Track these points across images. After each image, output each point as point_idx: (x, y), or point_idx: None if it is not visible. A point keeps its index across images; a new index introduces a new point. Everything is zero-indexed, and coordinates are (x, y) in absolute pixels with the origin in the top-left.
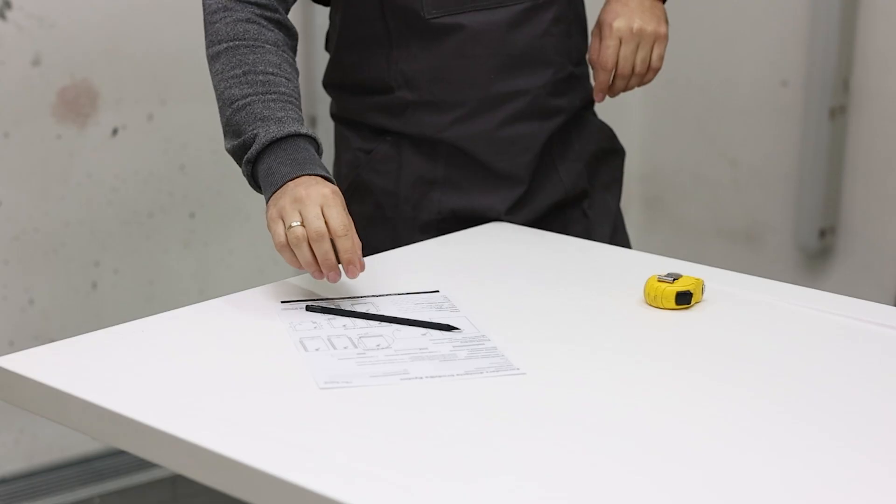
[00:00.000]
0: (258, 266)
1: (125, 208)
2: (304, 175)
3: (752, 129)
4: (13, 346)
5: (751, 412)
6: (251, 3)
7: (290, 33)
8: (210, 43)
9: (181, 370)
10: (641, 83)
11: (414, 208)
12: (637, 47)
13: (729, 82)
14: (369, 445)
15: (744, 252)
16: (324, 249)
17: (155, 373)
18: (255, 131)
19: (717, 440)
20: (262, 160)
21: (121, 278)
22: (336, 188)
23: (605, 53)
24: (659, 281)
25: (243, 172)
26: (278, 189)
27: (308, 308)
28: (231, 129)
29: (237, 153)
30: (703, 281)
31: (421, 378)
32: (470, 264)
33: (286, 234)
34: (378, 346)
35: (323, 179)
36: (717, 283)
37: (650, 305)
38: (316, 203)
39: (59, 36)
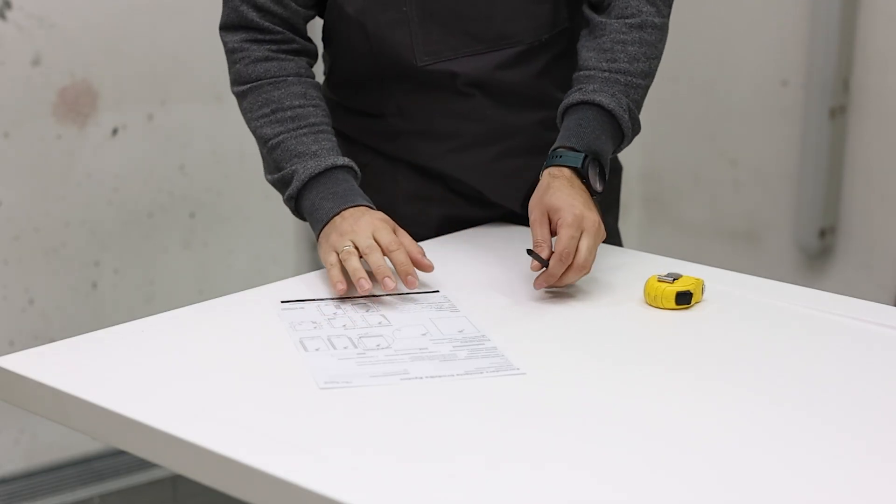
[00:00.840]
0: (258, 266)
1: (125, 208)
2: (348, 208)
3: (752, 129)
4: (13, 346)
5: (751, 412)
6: (266, 42)
7: (311, 52)
8: (234, 82)
9: (181, 370)
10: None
11: (411, 224)
12: (594, 244)
13: (729, 82)
14: (369, 445)
15: (744, 252)
16: (377, 258)
17: (155, 373)
18: (293, 167)
19: (717, 440)
20: (304, 196)
21: (121, 278)
22: (384, 215)
23: (569, 245)
24: (659, 281)
25: (288, 206)
26: (326, 224)
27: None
28: (269, 164)
29: (278, 187)
30: (703, 281)
31: (421, 378)
32: (470, 264)
33: (338, 254)
34: (378, 346)
35: (365, 209)
36: (717, 283)
37: (650, 305)
38: (367, 233)
39: (59, 36)
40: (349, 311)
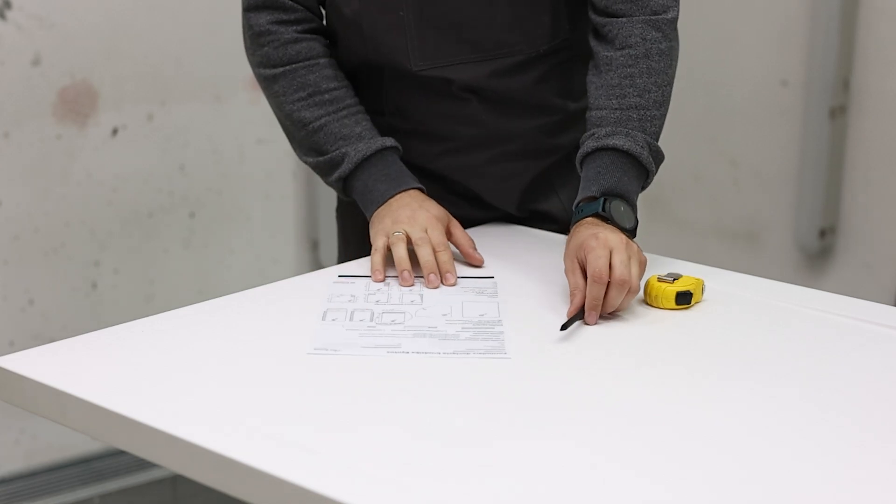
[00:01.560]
0: (258, 266)
1: (125, 208)
2: (401, 192)
3: (752, 129)
4: (13, 346)
5: (750, 412)
6: (292, 22)
7: (328, 32)
8: (261, 64)
9: (181, 370)
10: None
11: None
12: (629, 259)
13: (729, 82)
14: (368, 443)
15: (744, 252)
16: (426, 253)
17: (155, 373)
18: (342, 150)
19: (716, 440)
20: (355, 178)
21: (121, 278)
22: (439, 208)
23: (598, 264)
24: (659, 281)
25: (333, 187)
26: (381, 206)
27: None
28: (309, 147)
29: (322, 168)
30: (703, 281)
31: (407, 353)
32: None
33: (388, 238)
34: (393, 321)
35: (421, 195)
36: (717, 283)
37: (650, 305)
38: (422, 225)
39: (59, 36)
40: (393, 289)
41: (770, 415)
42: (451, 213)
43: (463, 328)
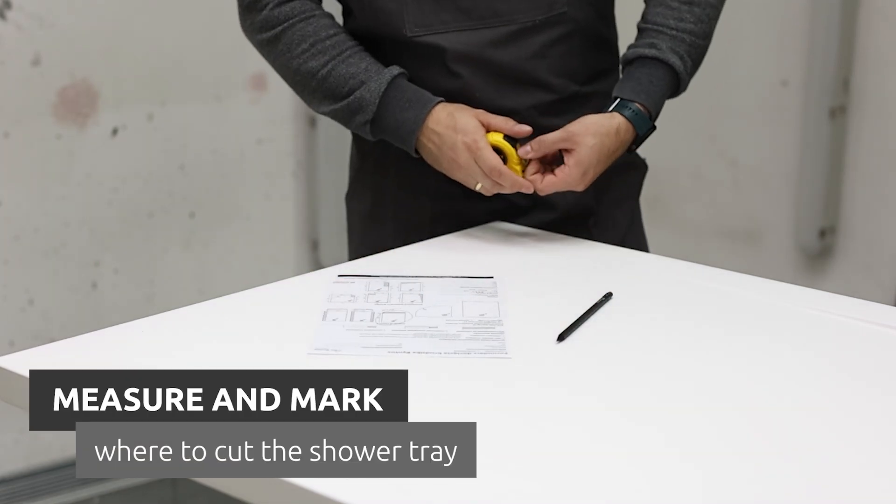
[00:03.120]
0: (258, 266)
1: (125, 208)
2: (430, 111)
3: (752, 129)
4: (13, 346)
5: (750, 412)
6: None
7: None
8: (261, 29)
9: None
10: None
11: (406, 211)
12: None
13: (729, 82)
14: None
15: (744, 252)
16: (509, 191)
17: None
18: (357, 94)
19: (717, 439)
20: (382, 118)
21: (121, 278)
22: (470, 123)
23: (567, 180)
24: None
25: (360, 132)
26: (420, 133)
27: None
28: (323, 96)
29: (341, 115)
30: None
31: (408, 353)
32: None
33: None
34: (393, 321)
35: (446, 114)
36: (718, 283)
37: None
38: (471, 164)
39: (59, 36)
40: (393, 288)
41: (770, 415)
42: (448, 207)
43: (463, 328)
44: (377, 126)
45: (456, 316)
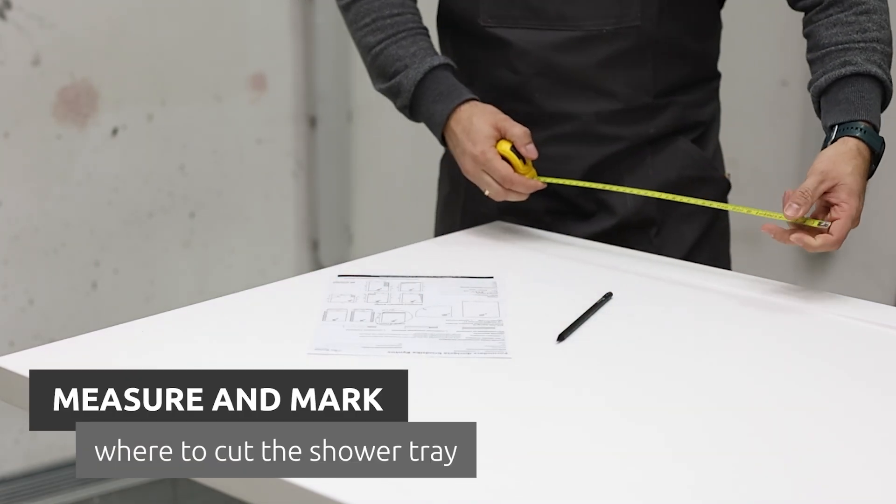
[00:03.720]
0: (258, 266)
1: (125, 208)
2: (456, 108)
3: (752, 129)
4: (13, 346)
5: (751, 412)
6: None
7: None
8: None
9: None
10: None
11: (475, 202)
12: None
13: (729, 82)
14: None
15: (744, 252)
16: (516, 194)
17: None
18: (397, 80)
19: (717, 439)
20: (417, 106)
21: (121, 278)
22: (487, 128)
23: (840, 234)
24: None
25: (401, 113)
26: (445, 128)
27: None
28: (376, 72)
29: (389, 95)
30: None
31: (408, 353)
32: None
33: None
34: (393, 321)
35: (468, 115)
36: (718, 283)
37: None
38: (479, 171)
39: (59, 36)
40: (392, 288)
41: (770, 415)
42: (505, 207)
43: (463, 328)
44: (414, 112)
45: (456, 316)
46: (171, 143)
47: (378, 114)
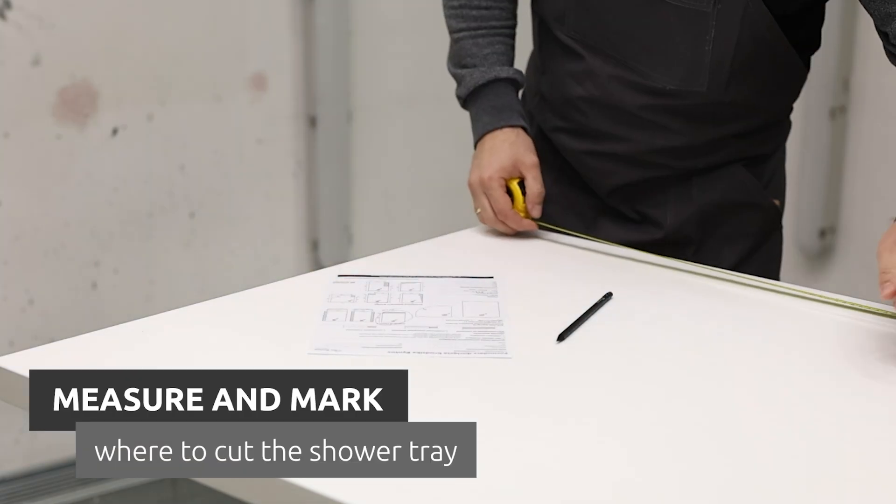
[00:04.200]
0: (258, 266)
1: (125, 208)
2: (499, 128)
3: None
4: (13, 346)
5: (751, 412)
6: None
7: None
8: None
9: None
10: None
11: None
12: None
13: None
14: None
15: None
16: (502, 229)
17: None
18: (462, 73)
19: (717, 439)
20: (470, 103)
21: (121, 278)
22: (509, 161)
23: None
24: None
25: (457, 99)
26: (481, 138)
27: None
28: (451, 55)
29: (453, 77)
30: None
31: (408, 353)
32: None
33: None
34: (393, 321)
35: (510, 139)
36: (718, 282)
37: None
38: (481, 191)
39: (59, 36)
40: (392, 288)
41: (771, 415)
42: (568, 191)
43: (463, 328)
44: (467, 105)
45: (456, 316)
46: (171, 143)
47: (378, 114)
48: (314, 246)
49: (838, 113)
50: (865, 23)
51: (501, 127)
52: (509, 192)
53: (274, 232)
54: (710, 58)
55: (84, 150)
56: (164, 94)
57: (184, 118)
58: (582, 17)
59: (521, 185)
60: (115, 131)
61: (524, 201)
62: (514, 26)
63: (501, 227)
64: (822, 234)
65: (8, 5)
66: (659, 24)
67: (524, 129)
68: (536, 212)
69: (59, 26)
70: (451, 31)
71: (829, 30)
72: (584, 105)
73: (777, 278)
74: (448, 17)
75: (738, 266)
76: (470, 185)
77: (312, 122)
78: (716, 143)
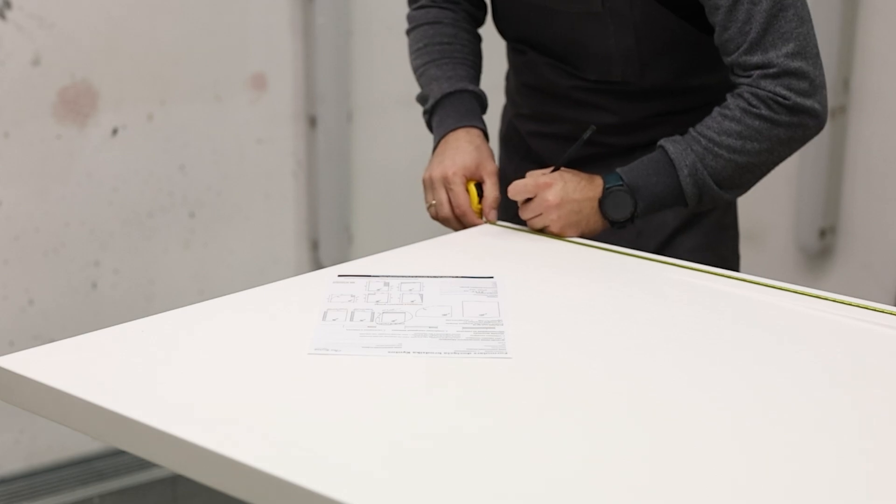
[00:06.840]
0: (258, 266)
1: (125, 208)
2: (461, 128)
3: None
4: (13, 346)
5: (751, 412)
6: None
7: (473, 11)
8: (407, 21)
9: (181, 370)
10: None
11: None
12: (554, 211)
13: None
14: (365, 439)
15: (744, 252)
16: (452, 225)
17: (155, 373)
18: (430, 87)
19: (718, 439)
20: (435, 112)
21: (121, 278)
22: (470, 160)
23: (522, 184)
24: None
25: (425, 121)
26: (441, 138)
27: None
28: (421, 89)
29: (420, 101)
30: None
31: (408, 353)
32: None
33: (432, 208)
34: (393, 321)
35: (471, 137)
36: (718, 283)
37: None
38: (441, 186)
39: (59, 36)
40: (392, 289)
41: (771, 415)
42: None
43: (463, 328)
44: (433, 117)
45: (456, 316)
46: (171, 143)
47: (378, 114)
48: (314, 246)
49: (838, 113)
50: (865, 23)
51: (466, 126)
52: None
53: (274, 232)
54: (616, 51)
55: (84, 150)
56: (164, 94)
57: (184, 118)
58: (512, 27)
59: (478, 187)
60: (115, 131)
61: (479, 203)
62: (478, 56)
63: (452, 224)
64: (822, 234)
65: (8, 5)
66: (564, 29)
67: (485, 134)
68: (493, 216)
69: (59, 26)
70: (417, 69)
71: (829, 30)
72: (527, 91)
73: (730, 246)
74: (413, 59)
75: (682, 229)
76: (429, 179)
77: (312, 122)
78: (651, 119)
